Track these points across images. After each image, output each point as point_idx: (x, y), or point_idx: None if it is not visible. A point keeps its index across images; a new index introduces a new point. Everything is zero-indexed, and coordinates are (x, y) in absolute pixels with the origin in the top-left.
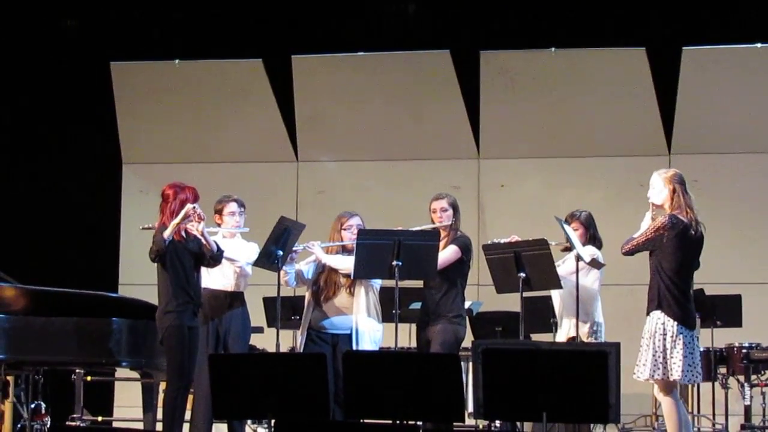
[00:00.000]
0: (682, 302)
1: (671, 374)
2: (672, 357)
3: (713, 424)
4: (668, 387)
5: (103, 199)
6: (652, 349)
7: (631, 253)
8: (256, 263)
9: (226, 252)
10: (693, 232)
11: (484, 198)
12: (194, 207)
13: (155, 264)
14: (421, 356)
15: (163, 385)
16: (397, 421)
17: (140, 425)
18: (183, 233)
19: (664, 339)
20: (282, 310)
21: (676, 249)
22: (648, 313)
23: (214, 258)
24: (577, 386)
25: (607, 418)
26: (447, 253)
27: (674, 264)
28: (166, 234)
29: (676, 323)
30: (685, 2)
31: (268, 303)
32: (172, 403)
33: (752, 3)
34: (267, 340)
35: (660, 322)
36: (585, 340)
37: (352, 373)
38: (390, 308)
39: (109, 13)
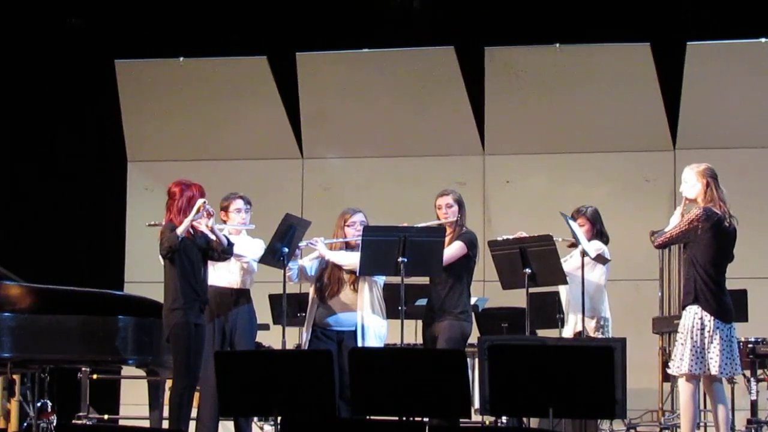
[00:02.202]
0: (718, 296)
1: (709, 369)
2: (709, 352)
3: None
4: (713, 382)
5: (109, 197)
6: (690, 344)
7: (663, 246)
8: (262, 260)
9: (234, 247)
10: (727, 225)
11: (490, 194)
12: (204, 202)
13: (161, 261)
14: (427, 352)
15: (169, 383)
16: (403, 418)
17: (146, 423)
18: (191, 229)
19: (702, 334)
20: (288, 307)
21: (711, 242)
22: (684, 307)
23: (225, 251)
24: (584, 382)
25: (614, 413)
26: (452, 249)
27: (709, 257)
28: (180, 230)
29: (713, 318)
30: None
31: (274, 300)
32: (179, 401)
33: None
34: (273, 337)
35: (697, 317)
36: (591, 335)
37: (358, 369)
38: (396, 305)
39: (113, 11)
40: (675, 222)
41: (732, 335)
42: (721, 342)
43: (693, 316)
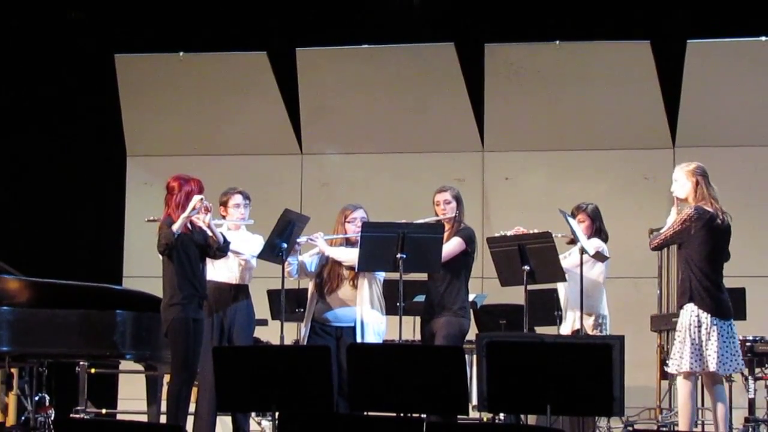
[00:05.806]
0: (714, 293)
1: (707, 366)
2: (707, 349)
3: None
4: (714, 380)
5: (108, 192)
6: (689, 342)
7: (659, 247)
8: (261, 255)
9: (231, 244)
10: (720, 222)
11: (489, 190)
12: (201, 198)
13: (159, 256)
14: (426, 349)
15: (167, 378)
16: (401, 414)
17: (144, 418)
18: (189, 225)
19: (699, 331)
20: (286, 303)
21: (705, 240)
22: (681, 306)
23: (221, 249)
24: (582, 379)
25: (611, 410)
26: (451, 246)
27: (703, 255)
28: (176, 227)
29: (709, 315)
30: None
31: (273, 295)
32: (177, 396)
33: None
34: (271, 333)
35: (694, 314)
36: (590, 332)
37: (356, 365)
38: (394, 301)
39: (113, 5)
40: (671, 222)
41: (732, 332)
42: (719, 339)
43: (690, 313)
